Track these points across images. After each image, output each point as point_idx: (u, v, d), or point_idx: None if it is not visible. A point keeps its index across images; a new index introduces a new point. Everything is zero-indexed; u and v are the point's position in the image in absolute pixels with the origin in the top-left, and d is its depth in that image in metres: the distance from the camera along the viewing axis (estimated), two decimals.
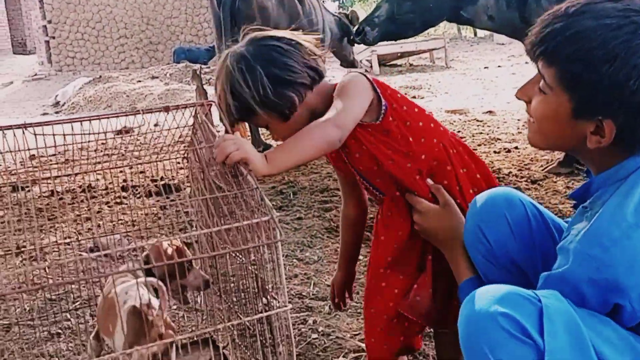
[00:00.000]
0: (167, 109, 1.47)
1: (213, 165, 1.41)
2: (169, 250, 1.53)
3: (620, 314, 1.10)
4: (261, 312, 1.32)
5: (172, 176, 3.62)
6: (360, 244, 1.85)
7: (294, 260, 2.79)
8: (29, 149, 1.40)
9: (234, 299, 1.64)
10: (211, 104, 1.52)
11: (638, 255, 1.05)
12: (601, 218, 1.09)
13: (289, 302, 2.34)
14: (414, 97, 8.48)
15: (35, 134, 1.33)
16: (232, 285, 1.65)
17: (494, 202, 1.40)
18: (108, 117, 1.46)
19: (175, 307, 2.29)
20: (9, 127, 1.34)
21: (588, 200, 1.17)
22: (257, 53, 1.48)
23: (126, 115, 1.49)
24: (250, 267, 1.42)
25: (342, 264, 1.85)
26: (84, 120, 1.42)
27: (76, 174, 1.65)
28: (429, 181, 1.53)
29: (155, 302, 1.50)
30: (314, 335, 2.07)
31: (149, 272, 1.53)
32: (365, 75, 1.54)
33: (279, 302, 1.26)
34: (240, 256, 1.50)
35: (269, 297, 1.33)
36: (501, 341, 1.03)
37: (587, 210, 1.15)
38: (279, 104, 1.48)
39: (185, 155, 1.81)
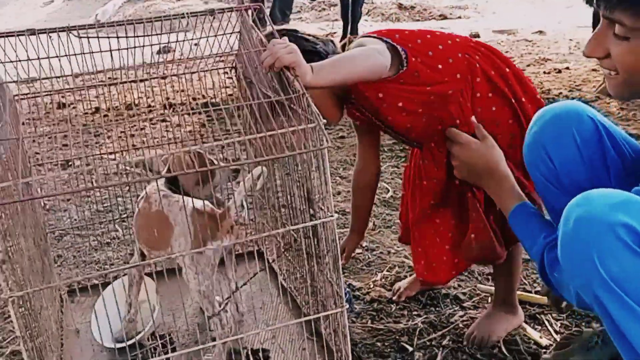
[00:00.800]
0: (212, 12, 1.42)
1: (261, 72, 1.37)
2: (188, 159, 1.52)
3: None
4: (307, 222, 1.31)
5: (215, 94, 3.61)
6: (372, 206, 1.83)
7: (337, 177, 2.79)
8: (74, 54, 1.38)
9: (280, 211, 1.64)
10: (259, 6, 1.46)
11: None
12: None
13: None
14: (459, 17, 8.18)
15: (79, 36, 1.30)
16: (279, 196, 1.65)
17: (560, 118, 1.29)
18: (152, 21, 1.42)
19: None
20: (53, 30, 1.32)
21: None
22: None
23: (170, 21, 1.45)
24: (296, 177, 1.40)
25: (356, 226, 1.83)
26: (127, 24, 1.39)
27: (122, 83, 1.63)
28: (473, 119, 1.47)
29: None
30: (358, 250, 2.08)
31: (172, 184, 1.53)
32: (369, 35, 1.51)
33: (325, 212, 1.24)
34: (287, 166, 1.48)
35: (315, 207, 1.31)
36: (616, 252, 0.96)
37: None
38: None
39: (233, 64, 1.77)
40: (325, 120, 1.17)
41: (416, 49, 1.49)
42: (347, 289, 1.78)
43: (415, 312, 1.72)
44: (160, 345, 1.49)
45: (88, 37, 1.35)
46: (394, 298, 1.79)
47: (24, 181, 1.09)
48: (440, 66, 1.49)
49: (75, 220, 2.38)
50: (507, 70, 1.53)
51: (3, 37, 1.33)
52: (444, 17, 8.20)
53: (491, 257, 1.54)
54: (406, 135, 1.58)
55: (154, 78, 1.70)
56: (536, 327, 1.63)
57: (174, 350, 1.49)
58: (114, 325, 1.45)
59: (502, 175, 1.39)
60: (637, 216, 0.97)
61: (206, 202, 1.45)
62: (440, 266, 1.57)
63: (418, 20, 8.10)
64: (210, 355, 1.43)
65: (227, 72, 1.87)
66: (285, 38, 1.37)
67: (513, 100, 1.51)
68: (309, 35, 1.60)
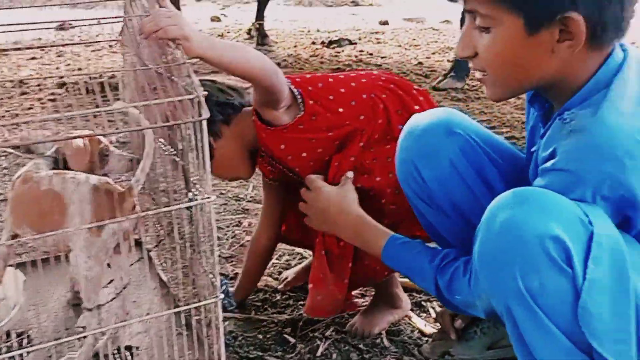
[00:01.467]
0: None
1: (143, 42, 1.23)
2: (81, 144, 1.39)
3: (629, 227, 0.97)
4: (181, 204, 1.19)
5: (113, 74, 3.39)
6: (264, 270, 1.70)
7: None
8: None
9: (158, 195, 1.51)
10: None
11: None
12: (600, 128, 0.92)
13: (224, 205, 2.27)
14: (371, 4, 8.21)
15: None
16: (159, 179, 1.52)
17: (429, 133, 1.20)
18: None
19: None
20: None
21: (565, 112, 1.00)
22: None
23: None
24: (175, 158, 1.28)
25: (244, 284, 1.66)
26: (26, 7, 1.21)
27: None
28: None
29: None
30: (248, 238, 1.98)
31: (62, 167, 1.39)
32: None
33: (202, 193, 1.13)
34: (165, 145, 1.36)
35: (193, 189, 1.19)
36: (540, 267, 0.90)
37: (567, 122, 0.97)
38: None
39: (120, 34, 1.61)
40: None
41: (315, 92, 1.42)
42: (225, 280, 1.67)
43: (301, 302, 1.63)
44: (15, 343, 1.33)
45: None
46: (280, 287, 1.70)
47: None
48: (341, 109, 1.41)
49: None
50: (417, 108, 1.45)
51: None
52: (355, 3, 8.20)
53: (333, 311, 1.48)
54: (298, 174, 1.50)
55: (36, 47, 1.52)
56: (422, 314, 1.59)
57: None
58: None
59: (358, 218, 1.29)
60: (568, 227, 0.90)
61: (105, 178, 1.31)
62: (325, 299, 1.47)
63: (331, 5, 8.06)
64: (74, 354, 1.30)
65: (111, 45, 1.72)
66: (170, 5, 1.24)
67: None
68: (225, 86, 1.51)
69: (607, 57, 0.99)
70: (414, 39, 5.32)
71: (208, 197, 1.11)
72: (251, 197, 2.31)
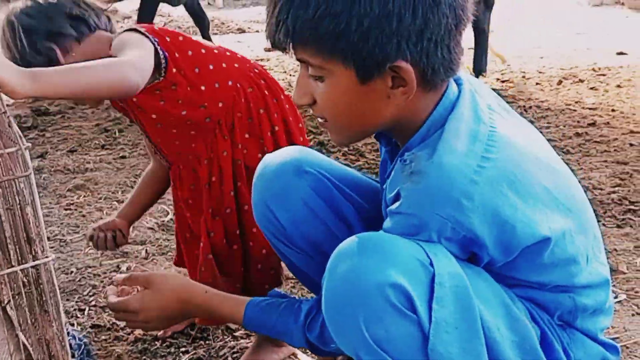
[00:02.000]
0: None
1: None
2: None
3: (477, 260, 0.99)
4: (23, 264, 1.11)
5: None
6: (151, 204, 1.68)
7: (114, 202, 2.56)
8: None
9: (8, 249, 1.41)
10: None
11: (487, 201, 0.92)
12: (437, 170, 0.93)
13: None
14: (257, 31, 8.22)
15: None
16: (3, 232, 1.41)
17: (280, 174, 1.20)
18: None
19: None
20: None
21: (406, 154, 1.00)
22: (21, 9, 1.38)
23: None
24: (12, 214, 1.19)
25: (125, 212, 1.65)
26: None
27: None
28: (118, 276, 1.34)
29: None
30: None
31: None
32: (136, 29, 1.37)
33: (42, 251, 1.05)
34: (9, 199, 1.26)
35: (36, 247, 1.11)
36: (383, 315, 0.90)
37: (407, 164, 0.98)
38: (35, 56, 1.34)
39: None
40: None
41: (182, 60, 1.36)
42: (83, 337, 1.57)
43: (183, 348, 1.57)
44: None
45: None
46: (159, 334, 1.62)
47: None
48: (203, 87, 1.38)
49: None
50: (275, 116, 1.45)
51: None
52: (241, 30, 8.20)
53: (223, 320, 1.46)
54: (158, 147, 1.47)
55: None
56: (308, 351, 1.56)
57: None
58: None
59: (205, 297, 1.22)
60: (408, 272, 0.90)
61: None
62: None
63: (216, 34, 8.00)
64: None
65: None
66: None
67: (266, 148, 1.43)
68: (82, 1, 1.44)
69: (443, 94, 1.01)
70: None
71: (46, 257, 1.03)
72: (131, 239, 2.21)
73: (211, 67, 1.41)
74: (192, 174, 1.47)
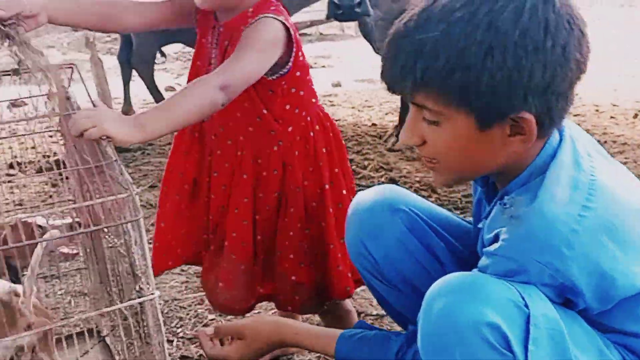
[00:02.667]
0: (15, 72, 1.29)
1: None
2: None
3: (571, 306, 1.00)
4: (130, 300, 1.19)
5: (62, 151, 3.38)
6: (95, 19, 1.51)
7: None
8: None
9: (111, 284, 1.50)
10: (72, 68, 1.35)
11: (587, 251, 0.94)
12: (538, 217, 0.95)
13: (185, 283, 2.25)
14: (324, 66, 8.39)
15: None
16: (108, 270, 1.51)
17: (376, 211, 1.24)
18: None
19: (61, 292, 2.13)
20: None
21: (505, 197, 1.03)
22: None
23: None
24: (120, 251, 1.28)
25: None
26: None
27: None
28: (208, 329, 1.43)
29: (19, 288, 1.34)
30: (211, 317, 1.97)
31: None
32: (285, 24, 1.38)
33: (148, 288, 1.13)
34: (111, 238, 1.36)
35: (140, 283, 1.19)
36: (479, 353, 0.91)
37: (507, 207, 1.00)
38: None
39: (58, 127, 1.63)
40: None
41: (292, 78, 1.45)
42: None
43: None
44: None
45: None
46: None
47: None
48: (288, 106, 1.46)
49: None
50: (335, 156, 1.54)
51: None
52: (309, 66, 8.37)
53: (238, 310, 1.54)
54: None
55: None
56: None
57: None
58: None
59: (291, 338, 1.28)
60: (503, 312, 0.92)
61: (16, 286, 1.28)
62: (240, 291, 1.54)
63: None
64: None
65: (52, 135, 1.73)
66: (100, 104, 1.24)
67: (327, 187, 1.52)
68: None
69: (546, 141, 1.03)
70: (367, 100, 5.45)
71: (152, 294, 1.11)
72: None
73: (301, 93, 1.49)
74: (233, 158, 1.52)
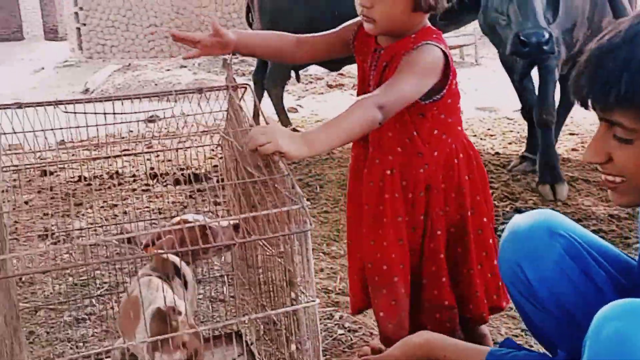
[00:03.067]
0: (200, 91, 1.44)
1: (245, 152, 1.37)
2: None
3: None
4: (288, 306, 1.28)
5: (200, 165, 3.62)
6: (270, 52, 1.70)
7: (320, 254, 2.75)
8: (60, 128, 1.37)
9: (261, 291, 1.60)
10: (246, 87, 1.48)
11: None
12: None
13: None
14: None
15: (66, 112, 1.30)
16: (259, 276, 1.61)
17: (534, 233, 1.24)
18: (140, 98, 1.43)
19: (199, 296, 2.27)
20: (41, 104, 1.32)
21: None
22: None
23: (158, 97, 1.46)
24: (278, 259, 1.38)
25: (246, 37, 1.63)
26: (115, 100, 1.40)
27: (106, 157, 1.62)
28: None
29: (181, 305, 1.41)
30: (340, 331, 2.03)
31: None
32: (445, 53, 1.46)
33: (307, 296, 1.21)
34: (269, 247, 1.46)
35: (297, 290, 1.28)
36: None
37: None
38: None
39: (220, 142, 1.77)
40: None
41: (443, 104, 1.51)
42: None
43: None
44: None
45: (75, 113, 1.36)
46: None
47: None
48: (436, 131, 1.52)
49: (51, 294, 2.31)
50: (479, 184, 1.59)
51: None
52: None
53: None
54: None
55: (139, 154, 1.70)
56: None
57: None
58: None
59: (440, 348, 1.31)
60: None
61: (179, 301, 1.36)
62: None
63: None
64: None
65: (213, 149, 1.87)
66: (274, 121, 1.37)
67: (469, 213, 1.56)
68: None
69: None
70: (489, 129, 5.38)
71: (313, 301, 1.19)
72: (339, 289, 2.37)
73: (450, 120, 1.54)
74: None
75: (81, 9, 16.25)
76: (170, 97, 1.53)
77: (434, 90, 1.46)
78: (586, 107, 1.02)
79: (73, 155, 1.72)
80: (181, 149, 1.87)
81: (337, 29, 1.64)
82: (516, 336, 1.97)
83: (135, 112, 1.45)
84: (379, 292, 1.57)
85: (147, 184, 4.14)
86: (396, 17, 1.45)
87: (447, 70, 1.46)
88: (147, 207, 3.60)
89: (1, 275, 1.14)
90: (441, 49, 1.44)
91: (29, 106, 1.34)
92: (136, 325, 1.34)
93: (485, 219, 1.58)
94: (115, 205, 3.68)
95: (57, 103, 1.37)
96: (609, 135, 1.03)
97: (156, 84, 10.62)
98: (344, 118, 1.36)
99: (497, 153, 4.43)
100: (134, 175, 4.29)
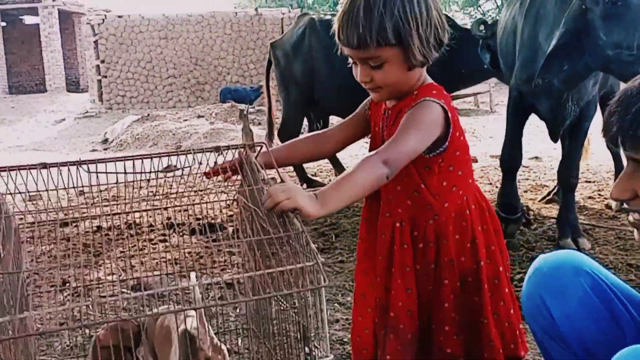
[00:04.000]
0: (217, 149, 1.48)
1: (261, 208, 1.41)
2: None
3: None
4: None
5: (215, 215, 3.67)
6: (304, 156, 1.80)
7: (335, 304, 2.75)
8: (82, 186, 1.42)
9: (275, 344, 1.62)
10: (261, 146, 1.53)
11: None
12: None
13: (330, 350, 2.33)
14: None
15: (89, 172, 1.35)
16: (274, 329, 1.63)
17: (558, 270, 1.25)
18: (160, 156, 1.48)
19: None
20: (65, 164, 1.37)
21: None
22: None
23: (177, 155, 1.51)
24: (292, 313, 1.39)
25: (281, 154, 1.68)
26: (136, 159, 1.45)
27: (126, 213, 1.67)
28: None
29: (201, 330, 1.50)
30: None
31: None
32: (443, 108, 1.50)
33: (320, 351, 1.23)
34: (283, 301, 1.48)
35: (311, 345, 1.30)
36: None
37: None
38: (427, 50, 1.48)
39: (235, 197, 1.82)
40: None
41: (450, 156, 1.54)
42: None
43: None
44: None
45: (97, 173, 1.41)
46: None
47: (20, 317, 1.10)
48: (444, 183, 1.55)
49: (67, 346, 2.33)
50: (494, 234, 1.61)
51: (15, 170, 1.38)
52: None
53: None
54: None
55: (157, 208, 1.75)
56: None
57: None
58: None
59: None
60: None
61: (196, 326, 1.46)
62: None
63: None
64: None
65: (229, 205, 1.91)
66: (287, 179, 1.42)
67: (483, 263, 1.58)
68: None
69: None
70: None
71: (327, 356, 1.21)
72: None
73: (459, 173, 1.57)
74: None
75: (102, 61, 16.71)
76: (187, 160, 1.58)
77: (436, 143, 1.50)
78: (616, 145, 1.05)
79: (93, 204, 1.77)
80: (197, 204, 1.92)
81: (354, 113, 1.74)
82: None
83: (154, 171, 1.49)
84: (387, 337, 1.60)
85: (163, 234, 4.18)
86: (396, 80, 1.51)
87: (448, 124, 1.50)
88: (163, 257, 3.64)
89: (23, 333, 1.17)
90: (440, 104, 1.49)
91: (53, 166, 1.39)
92: (169, 351, 1.44)
93: (501, 268, 1.60)
94: (132, 256, 3.71)
95: (80, 163, 1.42)
96: (637, 174, 1.07)
97: (174, 134, 10.80)
98: (353, 175, 1.41)
99: None
100: (151, 225, 4.34)
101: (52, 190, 1.45)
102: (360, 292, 1.72)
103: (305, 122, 5.48)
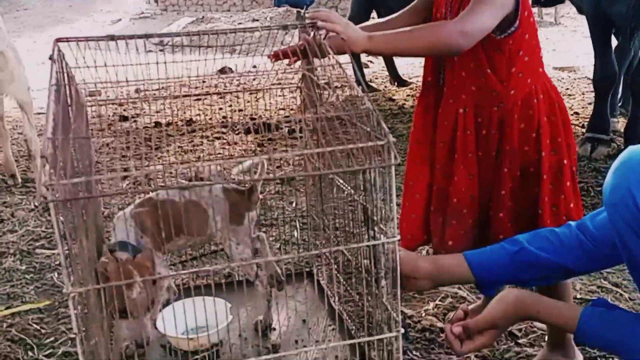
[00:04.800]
0: (285, 27, 1.44)
1: (328, 91, 1.38)
2: None
3: None
4: (367, 241, 1.28)
5: (271, 116, 3.66)
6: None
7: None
8: (139, 64, 1.41)
9: (337, 231, 1.62)
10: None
11: None
12: None
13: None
14: None
15: (156, 44, 1.33)
16: (335, 215, 1.63)
17: None
18: (226, 32, 1.45)
19: (272, 238, 2.31)
20: (132, 37, 1.35)
21: None
22: None
23: (244, 32, 1.48)
24: (356, 197, 1.38)
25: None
26: (202, 34, 1.42)
27: (197, 95, 1.66)
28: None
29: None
30: None
31: None
32: None
33: (387, 232, 1.21)
34: (346, 185, 1.47)
35: (376, 228, 1.29)
36: None
37: None
38: None
39: (298, 84, 1.78)
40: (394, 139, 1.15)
41: (520, 38, 1.48)
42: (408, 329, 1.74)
43: None
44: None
45: (164, 49, 1.38)
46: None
47: (90, 179, 1.11)
48: (513, 69, 1.50)
49: None
50: (561, 126, 1.55)
51: (82, 41, 1.37)
52: None
53: None
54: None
55: (225, 93, 1.73)
56: None
57: None
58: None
59: (534, 305, 1.26)
60: None
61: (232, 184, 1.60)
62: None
63: None
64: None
65: (292, 92, 1.89)
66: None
67: (545, 154, 1.54)
68: None
69: None
70: (568, 89, 5.19)
71: (394, 237, 1.20)
72: None
73: (526, 59, 1.50)
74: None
75: None
76: (242, 48, 1.54)
77: (506, 21, 1.44)
78: None
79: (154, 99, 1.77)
80: (259, 90, 1.90)
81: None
82: (592, 292, 1.94)
83: (220, 45, 1.47)
84: (450, 222, 1.60)
85: (219, 132, 4.22)
86: None
87: (517, 3, 1.45)
88: (219, 153, 3.69)
89: (87, 194, 1.18)
90: None
91: (120, 38, 1.37)
92: (206, 219, 1.59)
93: (565, 161, 1.54)
94: (190, 151, 3.78)
95: (147, 37, 1.40)
96: None
97: (228, 37, 10.71)
98: (414, 32, 1.43)
99: (575, 113, 4.28)
100: (207, 123, 4.38)
101: (118, 65, 1.44)
102: (410, 179, 1.71)
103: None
